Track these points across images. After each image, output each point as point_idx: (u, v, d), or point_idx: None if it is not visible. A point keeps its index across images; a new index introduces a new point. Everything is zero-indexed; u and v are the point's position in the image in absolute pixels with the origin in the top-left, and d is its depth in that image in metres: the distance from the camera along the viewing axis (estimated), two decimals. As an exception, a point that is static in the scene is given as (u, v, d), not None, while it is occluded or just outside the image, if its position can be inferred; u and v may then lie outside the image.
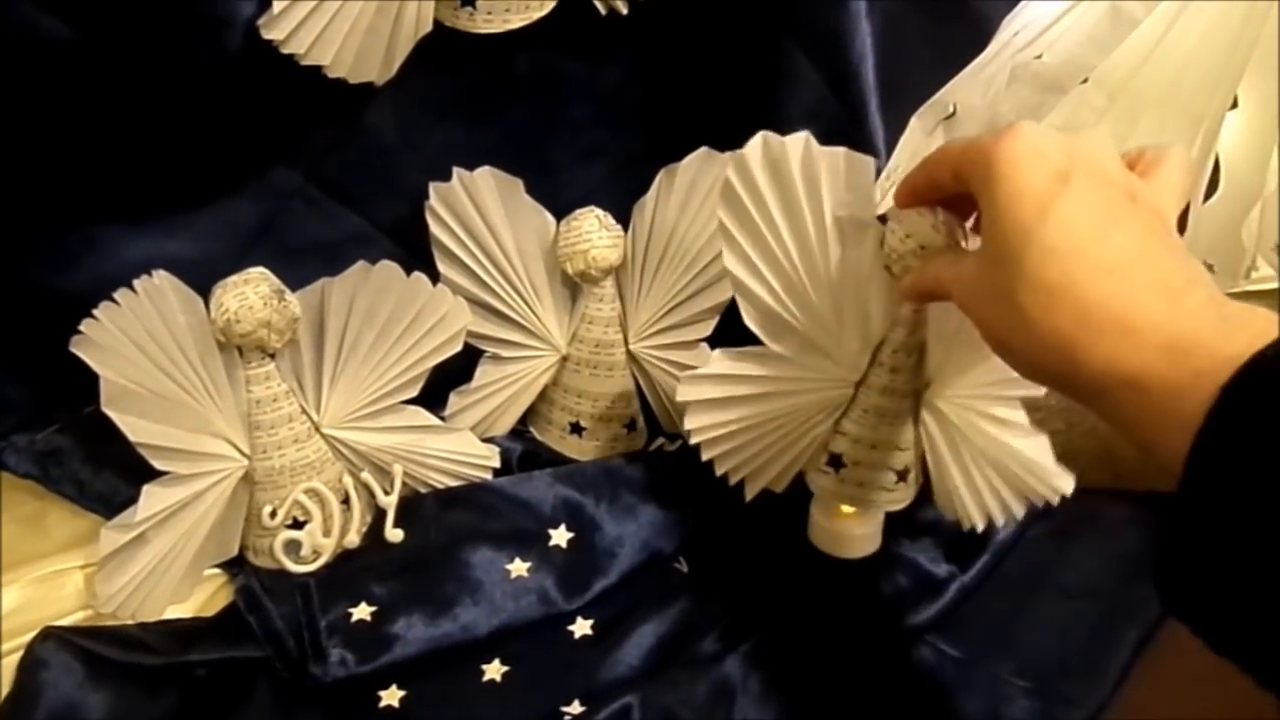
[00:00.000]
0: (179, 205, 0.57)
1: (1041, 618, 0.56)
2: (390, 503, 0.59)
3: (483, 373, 0.63)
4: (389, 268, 0.56)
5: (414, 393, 0.59)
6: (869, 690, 0.53)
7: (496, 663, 0.54)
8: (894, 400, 0.51)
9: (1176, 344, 0.32)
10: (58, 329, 0.51)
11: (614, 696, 0.51)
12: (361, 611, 0.55)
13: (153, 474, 0.54)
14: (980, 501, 0.54)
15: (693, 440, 0.54)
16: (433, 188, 0.59)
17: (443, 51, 0.55)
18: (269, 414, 0.56)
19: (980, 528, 0.55)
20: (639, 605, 0.57)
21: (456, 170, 0.58)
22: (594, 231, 0.60)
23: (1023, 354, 0.37)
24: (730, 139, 0.60)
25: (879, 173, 0.59)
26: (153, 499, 0.53)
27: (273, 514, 0.57)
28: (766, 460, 0.54)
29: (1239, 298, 0.64)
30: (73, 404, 0.59)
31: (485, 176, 0.59)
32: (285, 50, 0.49)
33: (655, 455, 0.64)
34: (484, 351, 0.63)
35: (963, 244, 0.46)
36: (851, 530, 0.56)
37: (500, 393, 0.64)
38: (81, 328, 0.50)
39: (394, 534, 0.59)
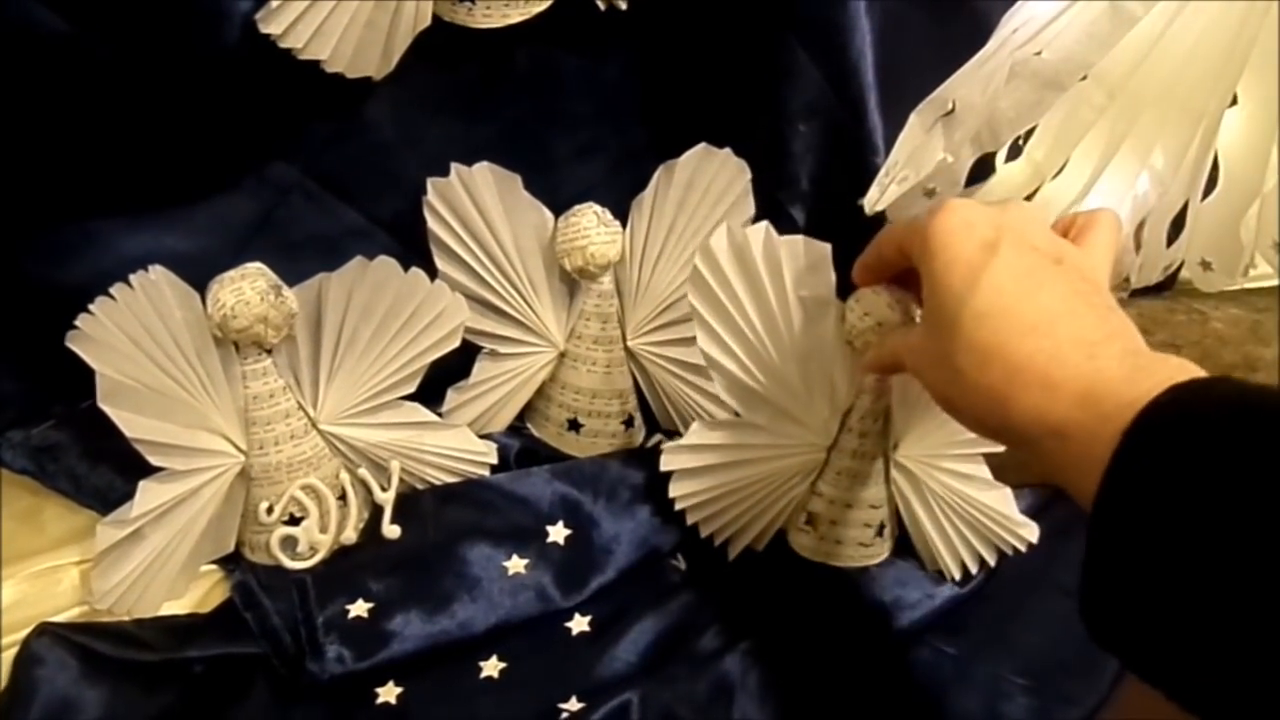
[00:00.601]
0: (176, 200, 0.57)
1: (1039, 616, 0.56)
2: (387, 499, 0.59)
3: (480, 369, 0.63)
4: (386, 263, 0.56)
5: (411, 389, 0.59)
6: (867, 688, 0.53)
7: (494, 659, 0.54)
8: (864, 462, 0.55)
9: (1091, 393, 0.34)
10: (54, 323, 0.50)
11: (612, 693, 0.51)
12: (359, 608, 0.54)
13: (149, 470, 0.53)
14: (954, 553, 0.57)
15: (677, 506, 0.58)
16: (430, 183, 0.59)
17: (441, 46, 0.55)
18: (265, 410, 0.56)
19: (958, 577, 0.58)
20: (637, 602, 0.57)
21: (454, 166, 0.58)
22: (592, 227, 0.60)
23: (964, 410, 0.40)
24: (730, 135, 0.60)
25: (877, 170, 0.60)
26: (149, 495, 0.53)
27: (269, 510, 0.57)
28: (747, 522, 0.58)
29: (1238, 295, 0.65)
30: (69, 399, 0.59)
31: (483, 172, 0.59)
32: (283, 44, 0.49)
33: (653, 452, 0.64)
34: (481, 348, 0.63)
35: (914, 318, 0.50)
36: None
37: (498, 389, 0.64)
38: (78, 323, 0.50)
39: (391, 530, 0.59)
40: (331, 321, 0.56)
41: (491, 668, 0.54)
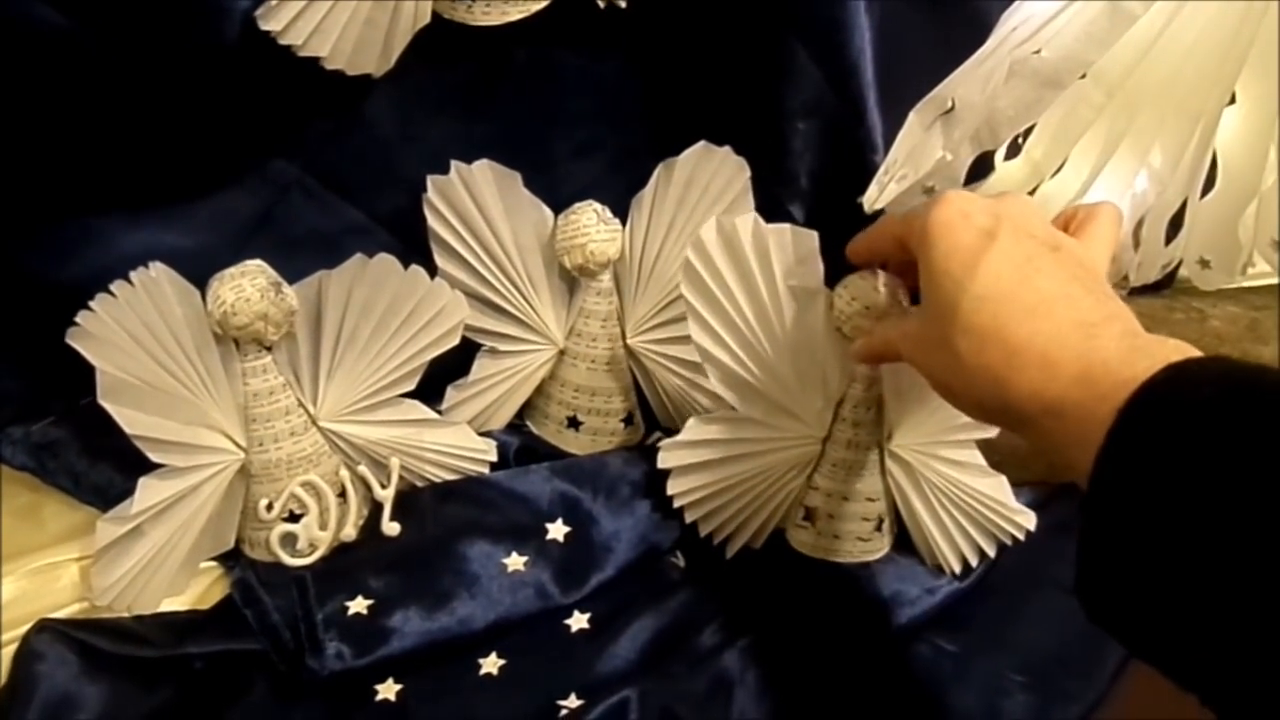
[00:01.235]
0: (176, 197, 0.57)
1: (1038, 613, 0.56)
2: (387, 496, 0.59)
3: (480, 366, 0.63)
4: (386, 260, 0.56)
5: (411, 386, 0.59)
6: (866, 685, 0.53)
7: (493, 656, 0.54)
8: (859, 453, 0.56)
9: (1089, 373, 0.35)
10: (54, 320, 0.51)
11: (611, 690, 0.51)
12: (358, 605, 0.55)
13: (148, 466, 0.54)
14: (953, 544, 0.58)
15: (676, 504, 0.58)
16: (430, 181, 0.59)
17: (441, 44, 0.55)
18: (265, 407, 0.56)
19: (957, 571, 0.58)
20: (636, 599, 0.57)
21: (454, 164, 0.58)
22: (592, 225, 0.60)
23: (962, 394, 0.40)
24: (730, 133, 0.60)
25: (877, 168, 0.60)
26: (149, 491, 0.53)
27: (269, 507, 0.57)
28: (746, 518, 0.58)
29: (1236, 293, 0.65)
30: (69, 396, 0.59)
31: (483, 170, 0.59)
32: (283, 41, 0.49)
33: (652, 450, 0.64)
34: (481, 345, 0.63)
35: (904, 304, 0.51)
36: None
37: (497, 386, 0.64)
38: (78, 320, 0.50)
39: (391, 527, 0.59)
40: (331, 319, 0.56)
41: (491, 665, 0.54)
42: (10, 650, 0.52)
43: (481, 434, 0.63)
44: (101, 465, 0.59)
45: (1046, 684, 0.53)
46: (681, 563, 0.60)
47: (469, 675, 0.54)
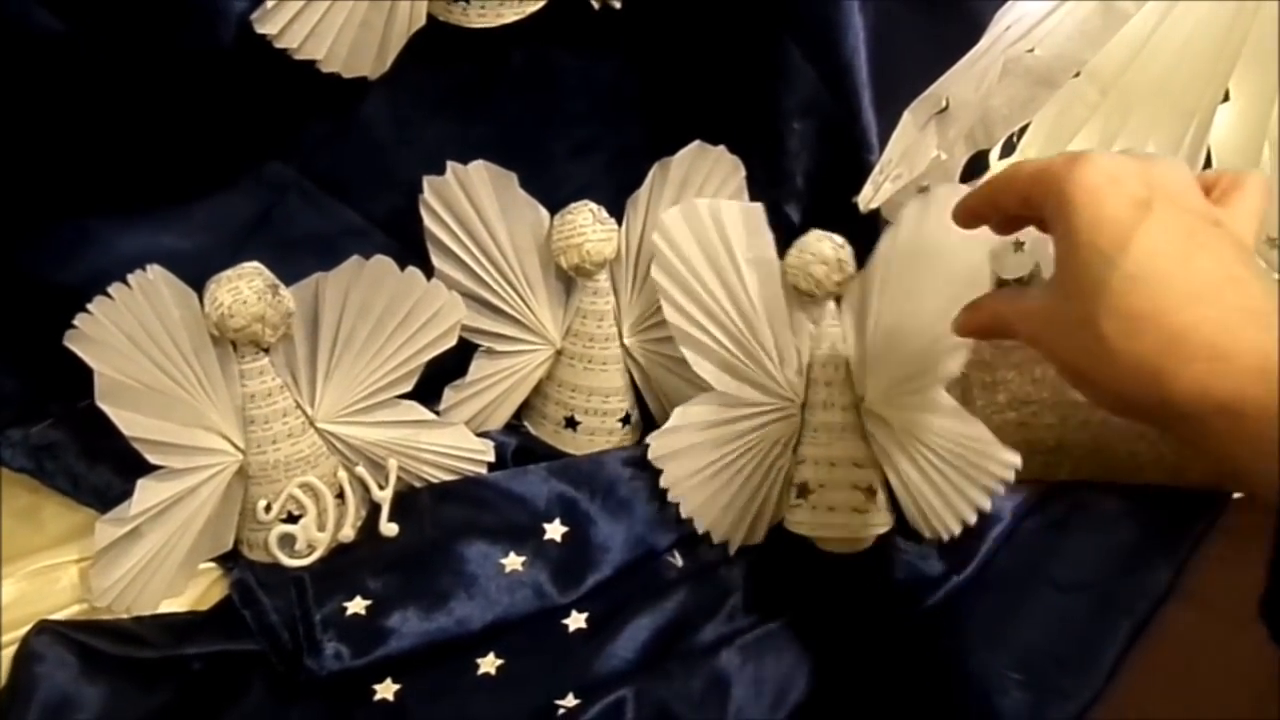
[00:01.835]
0: (173, 199, 0.57)
1: (1035, 611, 0.56)
2: (385, 497, 0.59)
3: (477, 367, 0.63)
4: (383, 262, 0.56)
5: (408, 387, 0.59)
6: (863, 683, 0.53)
7: (491, 656, 0.55)
8: (837, 414, 0.58)
9: (1269, 366, 0.31)
10: (52, 322, 0.51)
11: (609, 690, 0.51)
12: (356, 605, 0.55)
13: (147, 468, 0.54)
14: (945, 501, 0.58)
15: (670, 495, 0.60)
16: (426, 181, 0.59)
17: (436, 46, 0.55)
18: (263, 408, 0.56)
19: (956, 531, 0.58)
20: (633, 599, 0.57)
21: (450, 164, 0.58)
22: (588, 225, 0.60)
23: (1105, 384, 0.36)
24: (725, 133, 0.61)
25: (872, 167, 0.60)
26: (147, 493, 0.53)
27: (267, 508, 0.57)
28: (740, 507, 0.59)
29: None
30: (67, 398, 0.59)
31: (479, 170, 0.59)
32: (278, 45, 0.49)
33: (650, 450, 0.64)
34: (478, 346, 0.63)
35: (849, 262, 0.56)
36: None
37: (495, 387, 0.64)
38: (75, 322, 0.50)
39: (389, 528, 0.59)
40: (328, 320, 0.56)
41: (489, 665, 0.54)
42: (10, 652, 0.52)
43: (479, 435, 0.63)
44: (100, 467, 0.59)
45: (1043, 682, 0.53)
46: (679, 562, 0.60)
47: (467, 675, 0.54)
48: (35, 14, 0.48)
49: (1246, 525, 0.61)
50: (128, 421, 0.52)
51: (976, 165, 0.58)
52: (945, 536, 0.58)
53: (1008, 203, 0.41)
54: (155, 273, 0.52)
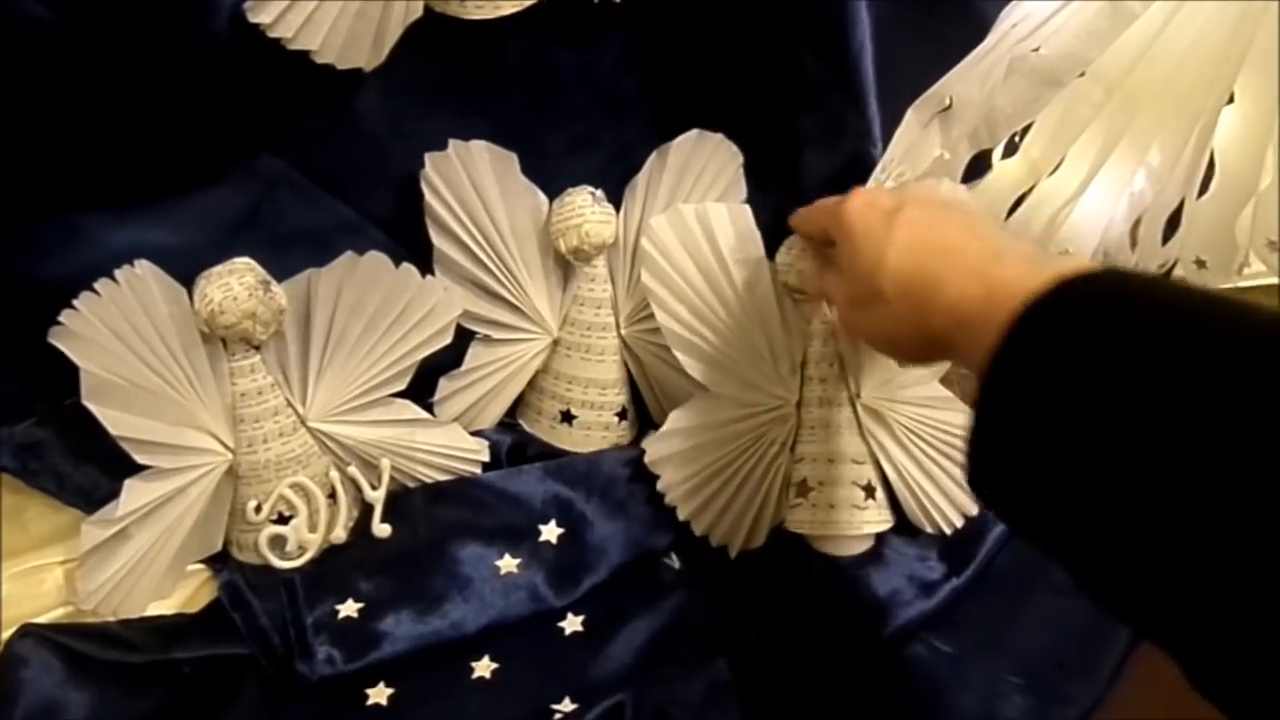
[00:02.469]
0: (162, 193, 0.56)
1: (1035, 615, 0.56)
2: (377, 497, 0.58)
3: (473, 355, 0.63)
4: (377, 259, 0.55)
5: (402, 386, 0.58)
6: (863, 687, 0.53)
7: (486, 660, 0.54)
8: (832, 410, 0.58)
9: (994, 287, 0.38)
10: (37, 319, 0.50)
11: (606, 694, 0.51)
12: (349, 608, 0.54)
13: (134, 468, 0.53)
14: (945, 493, 0.58)
15: (667, 500, 0.59)
16: (429, 158, 0.58)
17: (433, 38, 0.54)
18: (253, 407, 0.55)
19: (958, 524, 0.58)
20: (630, 602, 0.57)
21: (452, 142, 0.57)
22: (587, 206, 0.59)
23: (894, 337, 0.45)
24: (727, 127, 0.60)
25: (876, 162, 0.59)
26: (135, 493, 0.52)
27: (257, 509, 0.56)
28: (739, 509, 0.59)
29: (1232, 293, 0.64)
30: (53, 396, 0.57)
31: (480, 150, 0.58)
32: (272, 34, 0.48)
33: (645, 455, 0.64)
34: (474, 334, 0.62)
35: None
36: None
37: (490, 377, 0.63)
38: (62, 319, 0.49)
39: (381, 529, 0.58)
40: (321, 318, 0.55)
41: (483, 668, 0.54)
42: (-6, 656, 0.51)
43: (473, 433, 0.63)
44: (86, 467, 0.58)
45: (1043, 686, 0.53)
46: (676, 564, 0.60)
47: (461, 679, 0.53)
48: (25, 5, 0.47)
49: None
50: (115, 420, 0.51)
51: (979, 165, 0.58)
52: (947, 530, 0.58)
53: (816, 234, 0.53)
54: (144, 268, 0.51)
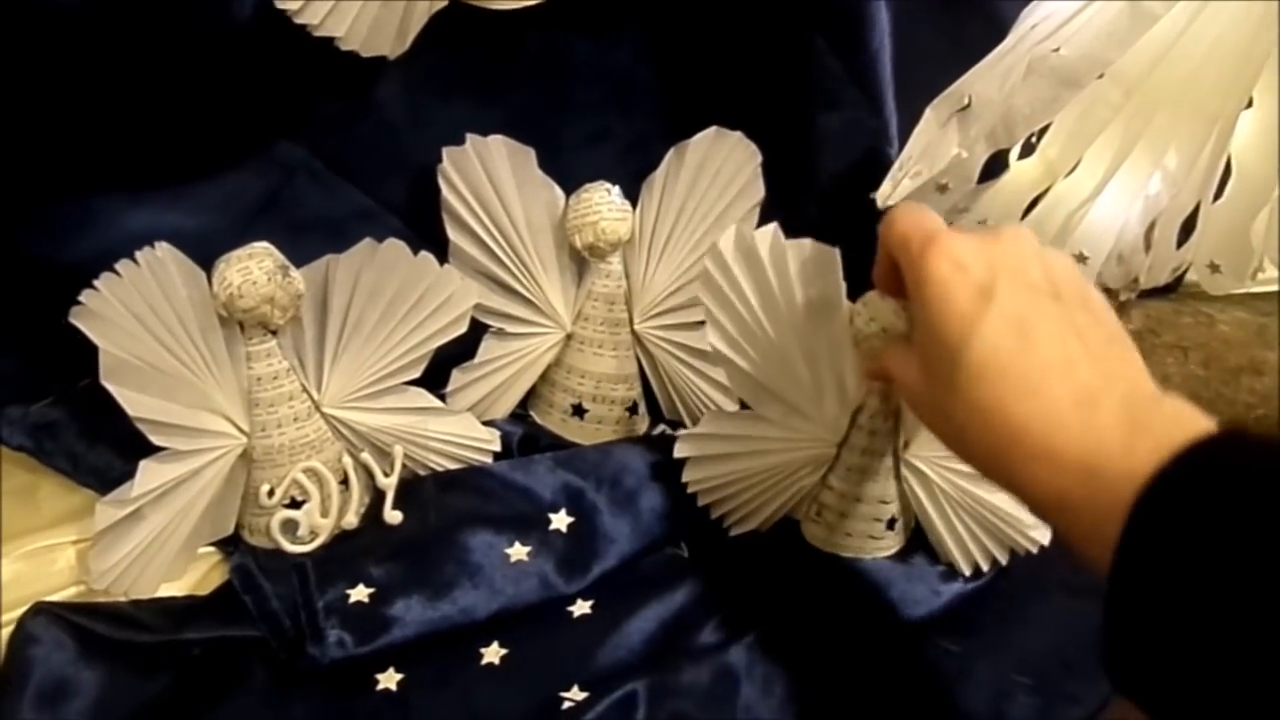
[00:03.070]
0: (181, 177, 0.56)
1: (1045, 616, 0.56)
2: (390, 484, 0.58)
3: (486, 348, 0.63)
4: (395, 246, 0.55)
5: (417, 374, 0.59)
6: (872, 684, 0.53)
7: (495, 646, 0.54)
8: (874, 459, 0.55)
9: (1090, 464, 0.34)
10: (56, 300, 0.50)
11: (615, 683, 0.51)
12: (359, 593, 0.54)
13: (148, 449, 0.53)
14: (965, 551, 0.57)
15: (690, 490, 0.58)
16: (446, 152, 0.58)
17: (452, 28, 0.54)
18: (269, 391, 0.55)
19: (968, 574, 0.58)
20: (639, 591, 0.57)
21: (470, 136, 0.58)
22: (604, 203, 0.59)
23: (970, 460, 0.40)
24: (744, 123, 0.60)
25: (893, 162, 0.59)
26: (150, 474, 0.52)
27: (270, 493, 0.56)
28: (757, 506, 0.58)
29: (1244, 298, 0.65)
30: (69, 376, 0.58)
31: (498, 144, 0.58)
32: (299, 20, 0.49)
33: (657, 440, 0.64)
34: (488, 326, 0.63)
35: None
36: None
37: (503, 370, 0.63)
38: (81, 299, 0.49)
39: (393, 516, 0.58)
40: (338, 304, 0.55)
41: (493, 654, 0.54)
42: (5, 633, 0.51)
43: (485, 424, 0.63)
44: (100, 447, 0.58)
45: (1051, 687, 0.52)
46: (685, 554, 0.60)
47: (471, 665, 0.53)
48: (48, -15, 0.47)
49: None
50: (132, 401, 0.51)
51: (996, 165, 0.58)
52: (958, 572, 0.58)
53: (889, 272, 0.44)
54: (164, 250, 0.51)
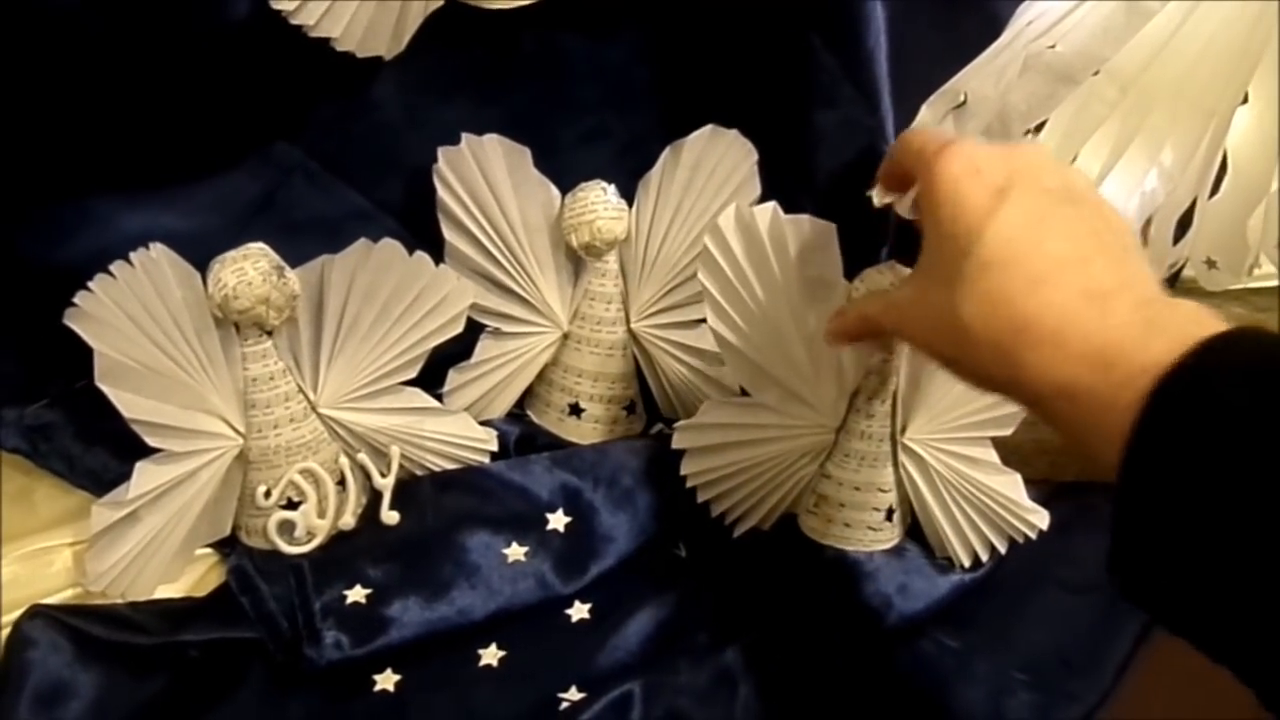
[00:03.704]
0: (177, 178, 0.56)
1: (1042, 611, 0.56)
2: (386, 485, 0.58)
3: (483, 348, 0.63)
4: (391, 246, 0.55)
5: (413, 374, 0.59)
6: (870, 681, 0.53)
7: (493, 647, 0.54)
8: (872, 444, 0.56)
9: (1103, 354, 0.33)
10: (51, 301, 0.50)
11: (613, 683, 0.51)
12: (356, 594, 0.54)
13: (144, 451, 0.53)
14: (964, 539, 0.57)
15: (689, 484, 0.58)
16: (441, 152, 0.58)
17: (450, 27, 0.54)
18: (265, 392, 0.55)
19: (967, 564, 0.58)
20: (637, 591, 0.57)
21: (465, 136, 0.58)
22: (600, 202, 0.59)
23: (968, 367, 0.38)
24: (740, 122, 0.60)
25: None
26: (146, 476, 0.52)
27: (267, 494, 0.56)
28: (757, 500, 0.58)
29: (1241, 294, 0.65)
30: (64, 378, 0.58)
31: (493, 144, 0.58)
32: (294, 21, 0.48)
33: (654, 440, 0.64)
34: (484, 326, 0.63)
35: None
36: None
37: (500, 370, 0.63)
38: (76, 300, 0.49)
39: (390, 516, 0.58)
40: (334, 304, 0.55)
41: (491, 656, 0.54)
42: (2, 636, 0.51)
43: (482, 423, 0.63)
44: (96, 449, 0.58)
45: (1049, 683, 0.53)
46: (683, 553, 0.60)
47: (469, 666, 0.53)
48: (42, -15, 0.47)
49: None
50: (127, 403, 0.51)
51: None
52: (955, 564, 0.58)
53: (899, 172, 0.44)
54: (158, 251, 0.51)
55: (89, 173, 0.54)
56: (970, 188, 0.38)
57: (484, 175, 0.59)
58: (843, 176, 0.63)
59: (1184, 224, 0.60)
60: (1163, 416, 0.31)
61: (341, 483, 0.58)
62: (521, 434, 0.65)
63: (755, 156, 0.61)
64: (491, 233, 0.60)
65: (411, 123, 0.59)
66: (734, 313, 0.54)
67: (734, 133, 0.60)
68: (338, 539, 0.57)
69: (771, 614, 0.55)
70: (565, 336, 0.64)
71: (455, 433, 0.61)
